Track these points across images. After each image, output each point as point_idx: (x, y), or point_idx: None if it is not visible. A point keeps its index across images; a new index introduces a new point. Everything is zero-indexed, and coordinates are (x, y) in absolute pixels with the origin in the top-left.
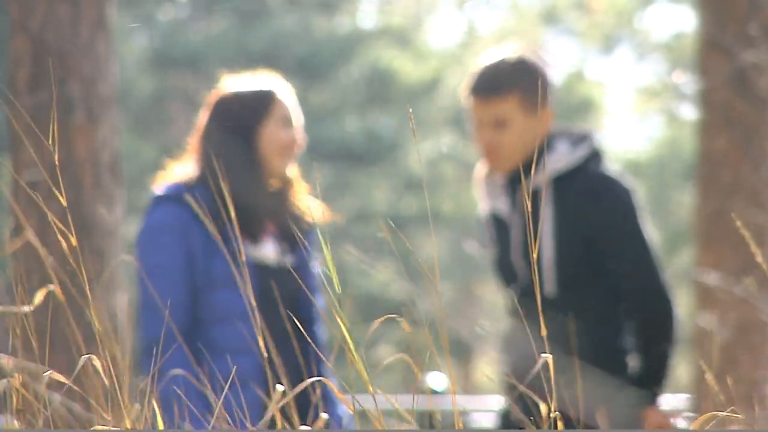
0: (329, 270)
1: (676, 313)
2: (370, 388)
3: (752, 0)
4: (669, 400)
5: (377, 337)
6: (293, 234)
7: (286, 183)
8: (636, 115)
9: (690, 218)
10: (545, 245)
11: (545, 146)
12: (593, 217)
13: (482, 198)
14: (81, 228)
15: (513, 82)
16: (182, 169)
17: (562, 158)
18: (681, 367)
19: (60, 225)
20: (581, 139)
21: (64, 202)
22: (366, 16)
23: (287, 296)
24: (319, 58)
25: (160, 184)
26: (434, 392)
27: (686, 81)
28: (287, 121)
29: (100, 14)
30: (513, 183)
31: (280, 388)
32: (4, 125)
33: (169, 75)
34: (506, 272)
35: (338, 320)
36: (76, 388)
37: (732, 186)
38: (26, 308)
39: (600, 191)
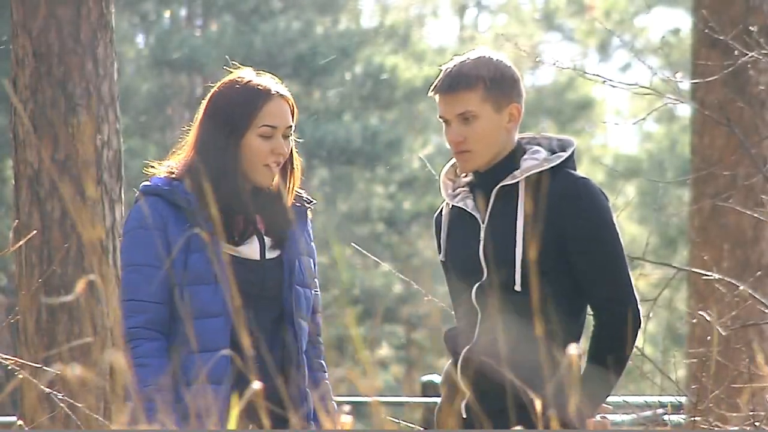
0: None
1: (639, 323)
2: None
3: (749, 1)
4: (609, 408)
5: (378, 336)
6: (282, 228)
7: (275, 185)
8: (634, 115)
9: (687, 217)
10: (517, 243)
11: (522, 148)
12: (570, 219)
13: (446, 195)
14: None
15: (475, 76)
16: (173, 163)
17: (540, 158)
18: (678, 366)
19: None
20: (561, 146)
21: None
22: (366, 16)
23: (270, 292)
24: (319, 58)
25: (150, 177)
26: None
27: (684, 81)
28: (272, 131)
29: (100, 15)
30: (484, 181)
31: (255, 385)
32: (7, 125)
33: (169, 75)
34: (469, 268)
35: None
36: (117, 388)
37: (728, 185)
38: (67, 298)
39: (580, 194)
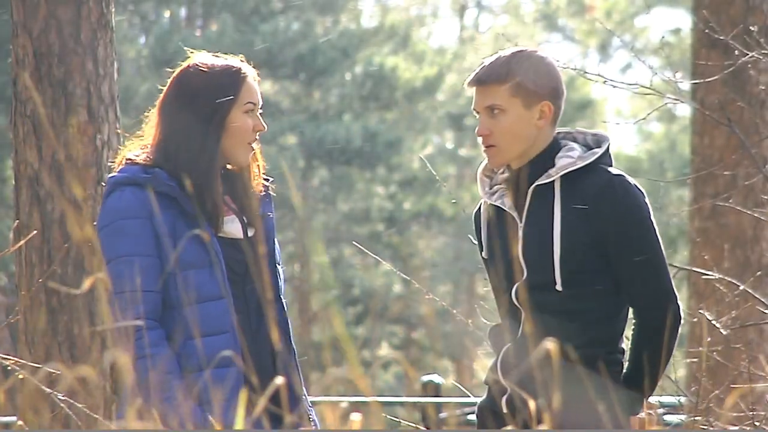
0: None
1: (680, 321)
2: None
3: (748, 1)
4: (654, 405)
5: (377, 336)
6: (254, 207)
7: (248, 165)
8: (634, 115)
9: (687, 216)
10: (554, 243)
11: (558, 144)
12: (608, 217)
13: (483, 193)
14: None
15: (508, 70)
16: (140, 148)
17: (574, 156)
18: (678, 366)
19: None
20: (596, 141)
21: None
22: (366, 16)
23: (254, 270)
24: (319, 58)
25: (119, 167)
26: (437, 393)
27: (684, 81)
28: (253, 107)
29: (100, 15)
30: (520, 179)
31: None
32: (7, 125)
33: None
34: (509, 267)
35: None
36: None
37: (728, 185)
38: (76, 291)
39: (616, 192)
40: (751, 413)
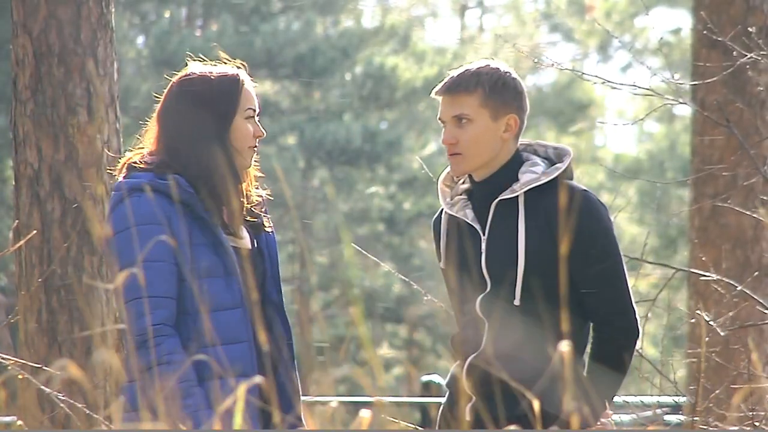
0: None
1: (637, 336)
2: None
3: (748, 1)
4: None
5: (379, 336)
6: (258, 216)
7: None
8: (636, 116)
9: (687, 217)
10: (519, 258)
11: (519, 157)
12: (572, 232)
13: (444, 203)
14: (82, 228)
15: (476, 81)
16: (145, 154)
17: (538, 171)
18: (677, 366)
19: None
20: (557, 155)
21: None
22: (367, 16)
23: (259, 281)
24: (319, 58)
25: (128, 173)
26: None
27: (683, 81)
28: (253, 113)
29: (100, 15)
30: (482, 192)
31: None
32: (7, 126)
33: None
34: (471, 279)
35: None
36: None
37: (728, 185)
38: (108, 286)
39: (581, 208)
40: (751, 413)
